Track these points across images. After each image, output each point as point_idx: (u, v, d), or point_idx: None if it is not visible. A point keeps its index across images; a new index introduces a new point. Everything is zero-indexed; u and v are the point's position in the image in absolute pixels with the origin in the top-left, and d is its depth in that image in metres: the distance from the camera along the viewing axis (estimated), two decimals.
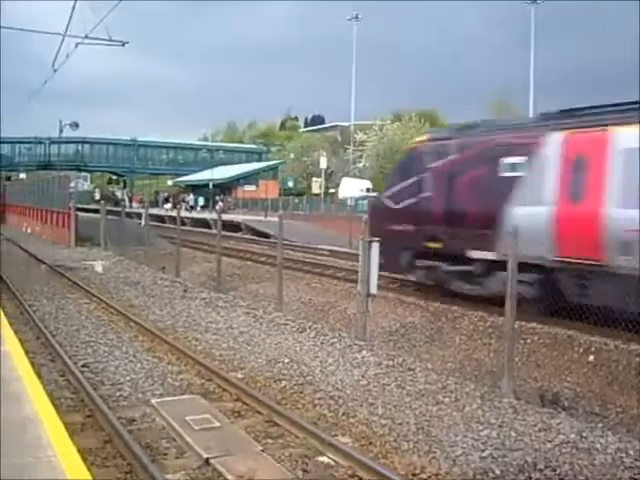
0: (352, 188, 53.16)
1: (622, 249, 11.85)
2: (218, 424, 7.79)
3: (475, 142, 15.40)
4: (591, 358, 10.82)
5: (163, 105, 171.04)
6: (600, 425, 8.03)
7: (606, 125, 12.60)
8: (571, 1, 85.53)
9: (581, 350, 11.13)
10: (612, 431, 7.77)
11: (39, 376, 8.29)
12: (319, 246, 31.26)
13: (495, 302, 12.14)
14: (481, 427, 7.86)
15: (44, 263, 23.98)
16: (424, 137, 18.34)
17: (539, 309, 13.42)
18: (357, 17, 59.94)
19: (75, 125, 72.03)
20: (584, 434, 7.57)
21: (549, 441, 7.40)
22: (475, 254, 14.62)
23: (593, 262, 12.38)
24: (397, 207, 16.96)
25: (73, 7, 16.14)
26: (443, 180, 15.75)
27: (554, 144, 13.48)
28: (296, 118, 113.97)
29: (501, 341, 10.33)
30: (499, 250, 13.31)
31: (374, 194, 27.28)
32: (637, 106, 12.40)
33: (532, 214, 13.25)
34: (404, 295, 15.55)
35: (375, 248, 12.41)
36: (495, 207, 13.98)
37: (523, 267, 10.17)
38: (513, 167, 14.18)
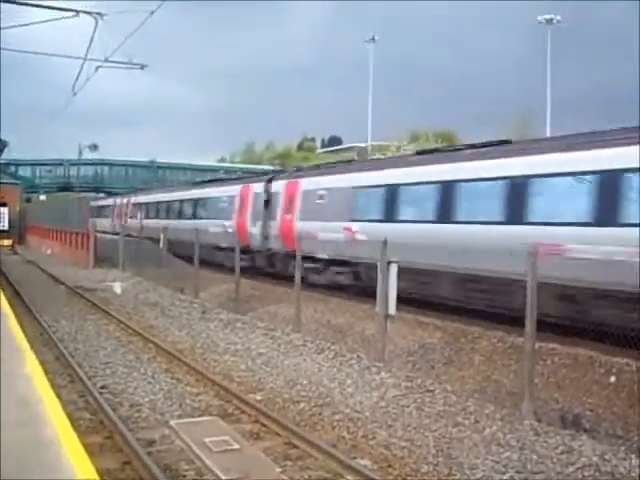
0: None
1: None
2: (237, 446, 7.77)
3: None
4: (612, 379, 10.69)
5: (182, 127, 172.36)
6: (623, 448, 7.91)
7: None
8: (587, 21, 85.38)
9: (602, 371, 10.99)
10: (635, 454, 7.66)
11: (59, 397, 8.32)
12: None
13: None
14: (502, 449, 7.79)
15: (63, 284, 24.14)
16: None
17: None
18: (374, 39, 60.23)
19: (94, 147, 72.81)
20: (607, 457, 7.47)
21: (571, 464, 7.31)
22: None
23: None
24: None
25: (94, 31, 16.35)
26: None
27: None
28: (313, 139, 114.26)
29: (521, 362, 10.24)
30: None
31: None
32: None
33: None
34: (422, 315, 15.45)
35: (394, 269, 12.38)
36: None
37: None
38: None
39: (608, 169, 12.37)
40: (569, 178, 13.02)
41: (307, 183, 21.69)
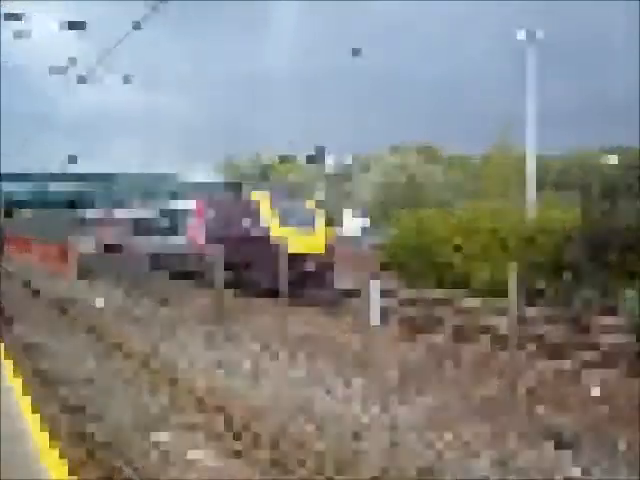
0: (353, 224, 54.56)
1: None
2: None
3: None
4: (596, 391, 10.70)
5: (165, 139, 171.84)
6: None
7: None
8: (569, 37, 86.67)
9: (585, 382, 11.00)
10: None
11: (39, 412, 8.22)
12: None
13: None
14: None
15: (45, 297, 23.96)
16: None
17: None
18: (358, 51, 60.46)
19: (74, 159, 72.26)
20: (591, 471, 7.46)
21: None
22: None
23: None
24: None
25: (77, 42, 16.30)
26: None
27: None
28: (296, 152, 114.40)
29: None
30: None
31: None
32: None
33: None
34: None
35: (375, 284, 12.43)
36: None
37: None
38: None
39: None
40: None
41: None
